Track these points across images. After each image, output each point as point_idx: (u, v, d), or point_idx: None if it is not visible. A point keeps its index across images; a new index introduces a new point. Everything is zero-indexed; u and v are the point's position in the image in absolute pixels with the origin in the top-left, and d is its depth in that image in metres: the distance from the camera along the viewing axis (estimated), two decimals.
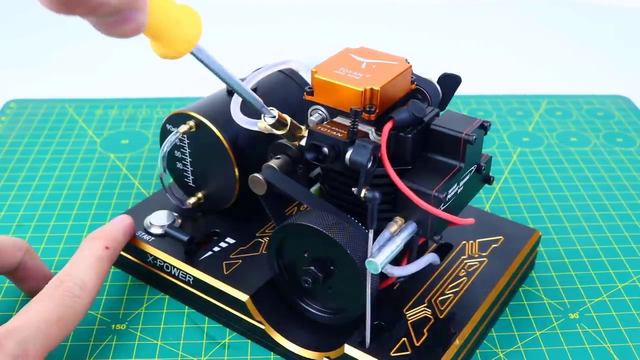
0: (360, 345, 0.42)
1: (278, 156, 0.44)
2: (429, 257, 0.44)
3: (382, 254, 0.38)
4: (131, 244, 0.50)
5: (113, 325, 0.48)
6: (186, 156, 0.51)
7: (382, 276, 0.43)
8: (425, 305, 0.45)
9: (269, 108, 0.40)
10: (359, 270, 0.40)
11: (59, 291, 0.42)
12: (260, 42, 0.95)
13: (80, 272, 0.44)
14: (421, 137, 0.42)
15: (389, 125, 0.39)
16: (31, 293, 0.48)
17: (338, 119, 0.42)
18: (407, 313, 0.45)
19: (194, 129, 0.48)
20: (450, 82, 0.45)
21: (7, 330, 0.39)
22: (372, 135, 0.41)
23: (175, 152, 0.51)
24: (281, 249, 0.44)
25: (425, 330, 0.43)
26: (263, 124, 0.41)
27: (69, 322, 0.42)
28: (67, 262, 0.45)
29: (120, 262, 0.52)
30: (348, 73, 0.42)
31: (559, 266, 0.54)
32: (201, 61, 0.33)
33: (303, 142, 0.42)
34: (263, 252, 0.49)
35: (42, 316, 0.40)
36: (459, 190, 0.42)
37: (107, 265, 0.46)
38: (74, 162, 0.67)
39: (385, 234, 0.40)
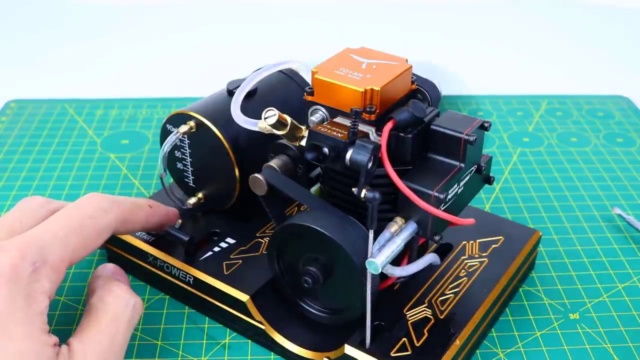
0: (361, 346, 0.42)
1: (278, 156, 0.44)
2: (429, 257, 0.44)
3: (382, 254, 0.38)
4: (131, 244, 0.50)
5: None
6: (186, 156, 0.51)
7: (383, 276, 0.43)
8: (425, 305, 0.45)
9: (269, 108, 0.40)
10: (359, 271, 0.40)
11: (86, 200, 0.42)
12: (260, 42, 0.95)
13: (118, 197, 0.45)
14: (421, 137, 0.42)
15: (389, 126, 0.39)
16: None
17: (338, 119, 0.42)
18: (407, 313, 0.45)
19: (194, 129, 0.48)
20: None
21: (27, 239, 0.38)
22: (373, 136, 0.41)
23: (176, 152, 0.51)
24: (281, 249, 0.44)
25: (425, 331, 0.43)
26: (263, 124, 0.41)
27: (90, 235, 0.41)
28: None
29: (120, 262, 0.52)
30: (348, 73, 0.42)
31: (559, 266, 0.54)
32: None
33: (303, 143, 0.42)
34: (263, 252, 0.49)
35: (62, 223, 0.40)
36: (459, 191, 0.42)
37: (141, 216, 0.46)
38: (74, 162, 0.67)
39: (386, 234, 0.40)
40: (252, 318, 0.46)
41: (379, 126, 0.41)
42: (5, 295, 0.36)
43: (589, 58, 0.94)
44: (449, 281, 0.47)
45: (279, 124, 0.41)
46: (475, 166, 0.43)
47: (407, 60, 0.44)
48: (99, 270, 0.45)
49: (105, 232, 0.43)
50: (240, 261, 0.49)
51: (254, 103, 0.49)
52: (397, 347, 0.42)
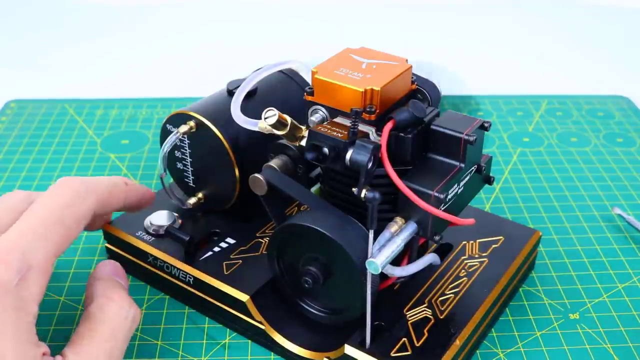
0: (361, 346, 0.42)
1: (278, 156, 0.44)
2: (429, 258, 0.44)
3: (382, 254, 0.38)
4: (131, 244, 0.50)
5: None
6: (186, 156, 0.51)
7: (383, 276, 0.43)
8: (425, 305, 0.45)
9: (269, 108, 0.40)
10: (359, 271, 0.40)
11: (61, 188, 0.40)
12: (260, 42, 0.95)
13: (93, 178, 0.43)
14: (421, 137, 0.42)
15: (389, 126, 0.39)
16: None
17: (338, 119, 0.42)
18: (407, 313, 0.45)
19: (194, 129, 0.48)
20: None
21: (7, 245, 0.36)
22: (373, 136, 0.41)
23: (176, 152, 0.51)
24: (281, 249, 0.44)
25: (425, 331, 0.43)
26: (263, 124, 0.41)
27: (70, 225, 0.39)
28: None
29: (120, 262, 0.52)
30: (348, 73, 0.42)
31: (559, 266, 0.54)
32: None
33: (303, 143, 0.42)
34: (263, 252, 0.49)
35: (41, 218, 0.38)
36: (459, 191, 0.42)
37: (120, 195, 0.45)
38: (74, 162, 0.67)
39: (386, 234, 0.40)
40: (252, 318, 0.46)
41: (379, 126, 0.41)
42: None
43: (589, 58, 0.94)
44: (449, 281, 0.47)
45: (279, 124, 0.41)
46: (475, 166, 0.43)
47: (407, 60, 0.44)
48: (99, 271, 0.43)
49: (85, 218, 0.41)
50: (240, 261, 0.49)
51: (254, 103, 0.49)
52: (397, 347, 0.42)
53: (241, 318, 0.47)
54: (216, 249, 0.50)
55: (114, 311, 0.41)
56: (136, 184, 0.48)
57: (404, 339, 0.43)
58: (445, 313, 0.45)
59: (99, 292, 0.42)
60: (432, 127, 0.41)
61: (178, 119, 0.49)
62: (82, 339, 0.39)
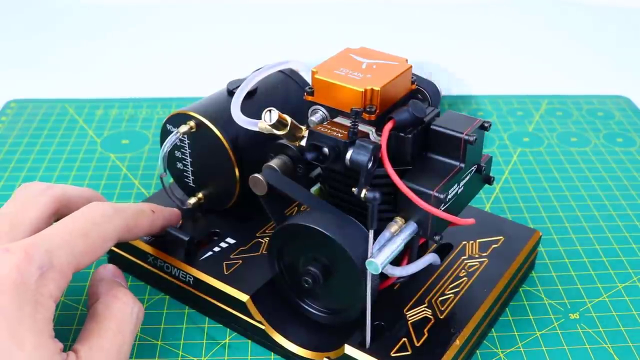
0: (361, 346, 0.42)
1: (278, 156, 0.44)
2: (429, 257, 0.44)
3: (382, 254, 0.38)
4: (131, 244, 0.50)
5: None
6: (186, 156, 0.51)
7: (383, 276, 0.43)
8: (425, 305, 0.45)
9: (269, 108, 0.40)
10: (359, 271, 0.40)
11: (90, 208, 0.42)
12: (260, 42, 0.95)
13: (121, 204, 0.44)
14: (421, 137, 0.42)
15: (389, 126, 0.39)
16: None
17: (338, 119, 0.42)
18: (407, 313, 0.45)
19: (194, 129, 0.48)
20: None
21: (33, 241, 0.38)
22: (373, 136, 0.41)
23: (176, 152, 0.51)
24: (281, 249, 0.44)
25: (425, 331, 0.43)
26: (263, 124, 0.41)
27: (95, 241, 0.41)
28: None
29: (120, 262, 0.52)
30: (348, 73, 0.42)
31: (559, 266, 0.54)
32: None
33: (303, 143, 0.42)
34: (263, 252, 0.49)
35: (68, 228, 0.40)
36: (459, 191, 0.42)
37: (145, 222, 0.46)
38: (74, 162, 0.67)
39: (386, 234, 0.40)
40: (252, 318, 0.46)
41: (379, 126, 0.41)
42: (13, 300, 0.35)
43: (589, 58, 0.94)
44: (449, 281, 0.47)
45: (279, 124, 0.41)
46: (475, 166, 0.43)
47: (407, 60, 0.44)
48: (101, 272, 0.44)
49: (110, 238, 0.42)
50: (240, 261, 0.49)
51: (254, 103, 0.49)
52: (397, 347, 0.42)
53: (241, 318, 0.47)
54: (216, 249, 0.50)
55: (120, 308, 0.41)
56: (163, 210, 0.48)
57: (404, 339, 0.43)
58: (445, 313, 0.45)
59: (104, 291, 0.42)
60: (432, 127, 0.41)
61: (178, 118, 0.49)
62: (92, 334, 0.40)
